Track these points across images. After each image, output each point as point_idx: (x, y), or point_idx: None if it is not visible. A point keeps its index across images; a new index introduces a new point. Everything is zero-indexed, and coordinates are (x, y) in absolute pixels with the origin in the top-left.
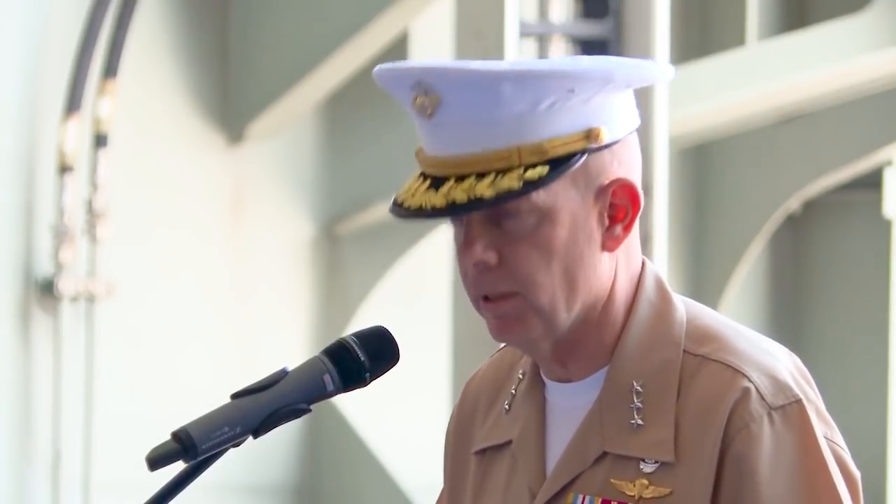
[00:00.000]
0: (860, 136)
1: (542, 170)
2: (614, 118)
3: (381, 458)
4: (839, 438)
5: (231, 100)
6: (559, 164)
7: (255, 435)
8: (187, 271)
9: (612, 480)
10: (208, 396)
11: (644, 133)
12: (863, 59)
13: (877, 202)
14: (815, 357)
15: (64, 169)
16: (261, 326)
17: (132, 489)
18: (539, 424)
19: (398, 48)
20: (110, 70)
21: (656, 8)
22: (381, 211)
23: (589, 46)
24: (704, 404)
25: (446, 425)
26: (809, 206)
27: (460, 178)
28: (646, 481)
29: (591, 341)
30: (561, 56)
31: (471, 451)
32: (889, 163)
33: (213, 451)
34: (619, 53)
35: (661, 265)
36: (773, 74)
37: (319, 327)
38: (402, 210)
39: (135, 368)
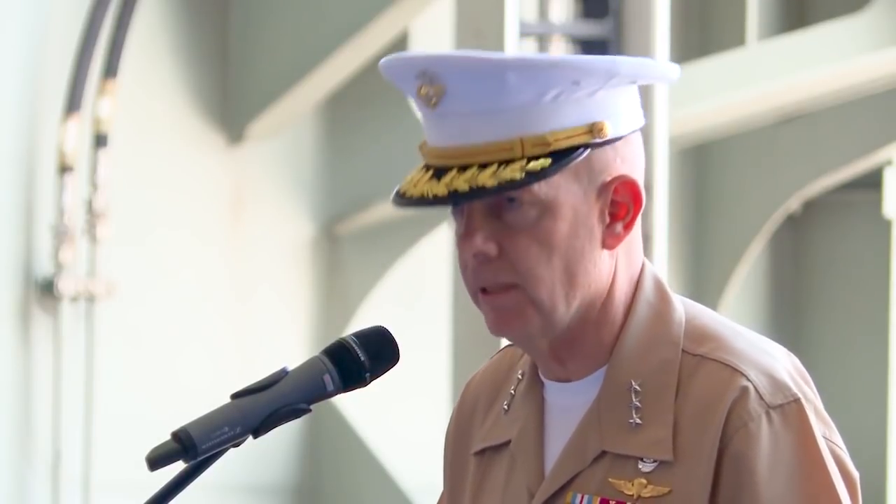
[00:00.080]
0: (860, 136)
1: (545, 162)
2: (619, 114)
3: (381, 458)
4: (838, 438)
5: (231, 100)
6: (562, 157)
7: (255, 435)
8: (187, 271)
9: (610, 480)
10: (208, 396)
11: (644, 133)
12: (863, 59)
13: (877, 202)
14: (815, 357)
15: (64, 169)
16: (261, 326)
17: (132, 489)
18: (538, 424)
19: (398, 48)
20: (110, 70)
21: (656, 8)
22: (381, 211)
23: (589, 46)
24: (703, 403)
25: (446, 426)
26: (809, 206)
27: (463, 169)
28: (644, 480)
29: (590, 340)
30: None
31: (470, 452)
32: (889, 163)
33: (213, 451)
34: (619, 53)
35: (661, 265)
36: (773, 74)
37: (319, 327)
38: (404, 199)
39: (135, 368)
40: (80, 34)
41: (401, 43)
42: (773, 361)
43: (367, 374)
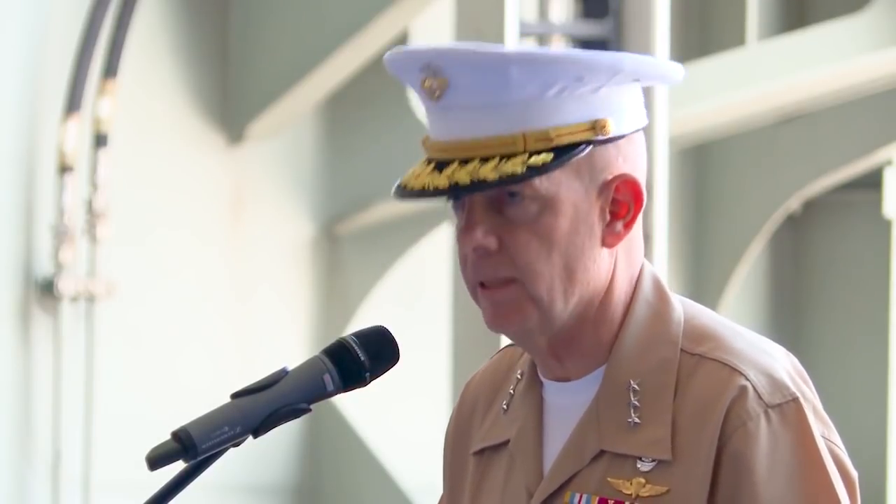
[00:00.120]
0: (860, 136)
1: (547, 157)
2: (622, 112)
3: (381, 458)
4: (836, 438)
5: (231, 100)
6: (564, 153)
7: (255, 435)
8: (187, 271)
9: (608, 479)
10: (208, 396)
11: (644, 133)
12: (863, 59)
13: (877, 202)
14: (815, 357)
15: (64, 169)
16: (261, 326)
17: (132, 489)
18: (536, 424)
19: None
20: (110, 70)
21: (656, 8)
22: (381, 211)
23: (589, 46)
24: (701, 403)
25: (446, 427)
26: (809, 206)
27: (464, 162)
28: (643, 480)
29: (589, 338)
30: None
31: (469, 453)
32: (889, 163)
33: (213, 451)
34: None
35: (661, 265)
36: (773, 74)
37: (319, 327)
38: (405, 192)
39: (135, 368)
40: (80, 34)
41: (401, 43)
42: (771, 361)
43: (367, 374)
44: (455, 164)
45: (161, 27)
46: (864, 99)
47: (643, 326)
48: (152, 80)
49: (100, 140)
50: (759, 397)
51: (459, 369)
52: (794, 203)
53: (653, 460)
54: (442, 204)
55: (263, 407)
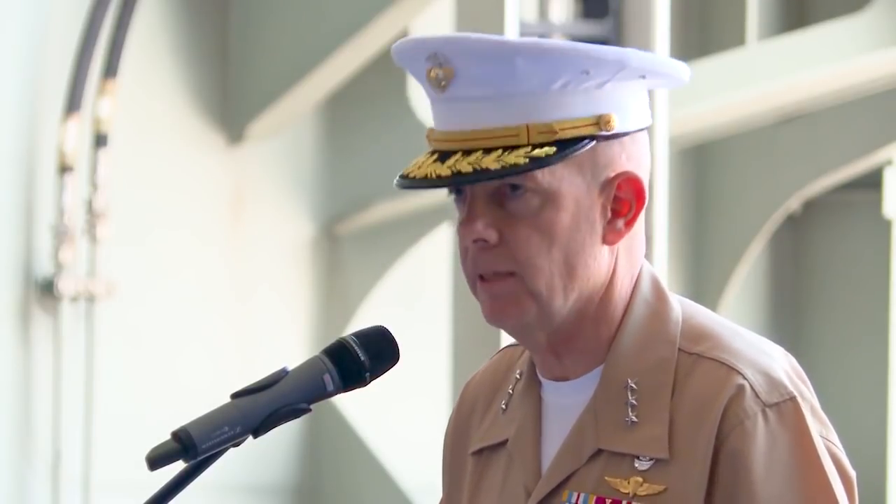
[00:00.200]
0: (860, 136)
1: (549, 150)
2: (626, 109)
3: (381, 458)
4: (834, 437)
5: (231, 100)
6: (567, 147)
7: (255, 435)
8: (187, 271)
9: (606, 478)
10: (208, 396)
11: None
12: (863, 59)
13: (877, 202)
14: (815, 357)
15: (64, 169)
16: (261, 326)
17: (132, 489)
18: (535, 423)
19: None
20: (110, 70)
21: (656, 8)
22: (381, 211)
23: None
24: (699, 401)
25: (445, 428)
26: (809, 206)
27: (467, 153)
28: (640, 478)
29: (588, 336)
30: None
31: (468, 453)
32: (889, 163)
33: (213, 451)
34: None
35: (661, 265)
36: (773, 74)
37: (319, 327)
38: (408, 181)
39: (135, 368)
40: (80, 34)
41: None
42: (769, 360)
43: (367, 374)
44: (458, 155)
45: (161, 27)
46: (864, 99)
47: (641, 325)
48: (152, 80)
49: (100, 140)
50: (757, 396)
51: (459, 369)
52: (794, 203)
53: (650, 459)
54: (442, 202)
55: (263, 407)
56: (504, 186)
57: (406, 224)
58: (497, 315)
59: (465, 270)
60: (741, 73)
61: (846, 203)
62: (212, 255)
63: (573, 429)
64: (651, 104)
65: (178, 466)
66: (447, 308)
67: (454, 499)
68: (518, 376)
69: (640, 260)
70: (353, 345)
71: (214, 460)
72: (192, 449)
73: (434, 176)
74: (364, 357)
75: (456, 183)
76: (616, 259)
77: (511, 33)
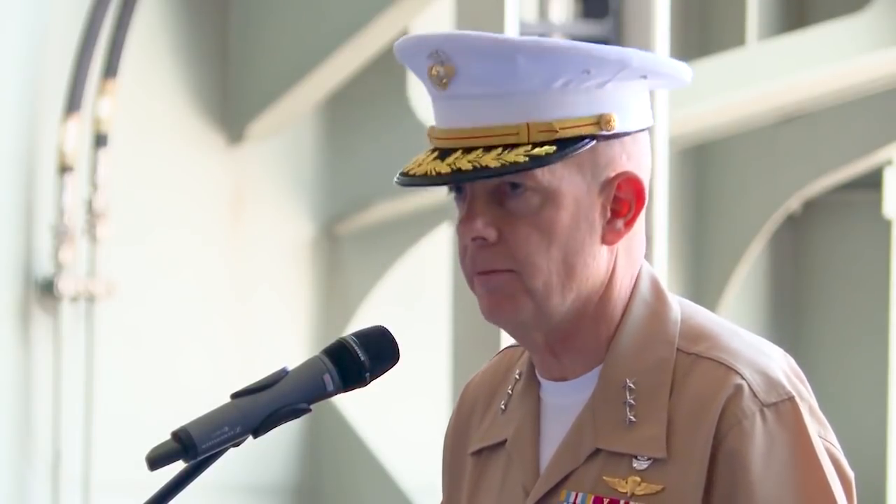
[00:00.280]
0: (860, 136)
1: (550, 149)
2: (627, 109)
3: (381, 458)
4: (833, 437)
5: (231, 100)
6: (567, 146)
7: (255, 435)
8: (187, 271)
9: (604, 477)
10: (208, 396)
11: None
12: (863, 59)
13: (877, 202)
14: (815, 357)
15: (64, 169)
16: (261, 326)
17: (132, 489)
18: (534, 423)
19: None
20: (110, 70)
21: (656, 8)
22: (381, 211)
23: None
24: (697, 401)
25: (445, 429)
26: (809, 206)
27: (468, 150)
28: (638, 478)
29: (587, 335)
30: None
31: (467, 453)
32: (889, 163)
33: (213, 451)
34: None
35: (661, 265)
36: (773, 74)
37: (319, 327)
38: (407, 178)
39: (135, 368)
40: (80, 34)
41: None
42: (768, 360)
43: (367, 374)
44: (458, 153)
45: (161, 27)
46: (864, 99)
47: (640, 325)
48: (152, 80)
49: (100, 140)
50: (755, 396)
51: (459, 369)
52: (794, 203)
53: (648, 459)
54: (442, 202)
55: (263, 407)
56: (504, 185)
57: (406, 224)
58: (494, 311)
59: (464, 268)
60: (741, 73)
61: (846, 203)
62: (212, 255)
63: (571, 428)
64: (651, 104)
65: (178, 466)
66: (447, 308)
67: (454, 499)
68: (517, 377)
69: (640, 260)
70: (353, 345)
71: (214, 460)
72: (192, 449)
73: (434, 173)
74: (364, 357)
75: (455, 181)
76: (615, 259)
77: (511, 33)
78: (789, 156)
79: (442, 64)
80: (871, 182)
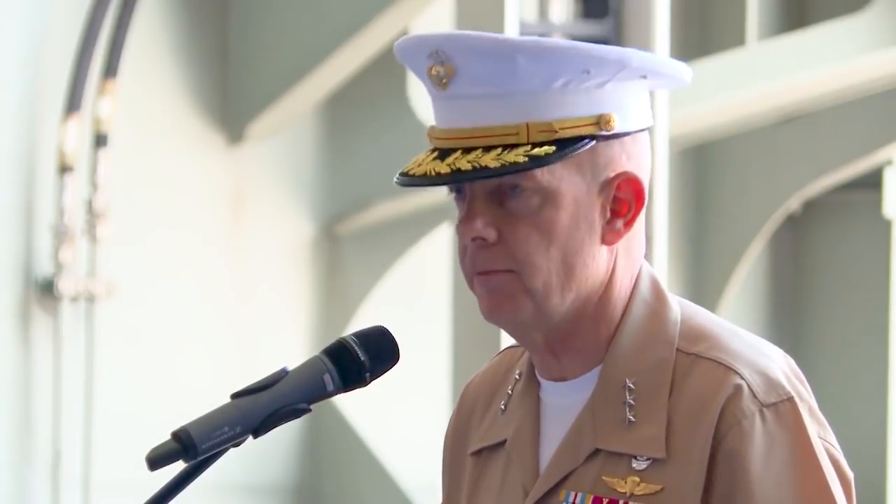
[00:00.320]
0: (860, 136)
1: (549, 149)
2: (627, 109)
3: (381, 458)
4: (832, 438)
5: (231, 100)
6: (567, 146)
7: (255, 435)
8: (187, 271)
9: (603, 477)
10: (208, 396)
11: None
12: (863, 59)
13: (877, 202)
14: (815, 357)
15: (64, 169)
16: (261, 326)
17: (132, 489)
18: (533, 423)
19: None
20: (110, 70)
21: (656, 8)
22: (381, 211)
23: None
24: (697, 401)
25: (445, 429)
26: (809, 206)
27: (467, 151)
28: (637, 478)
29: (586, 335)
30: None
31: (467, 453)
32: (889, 163)
33: (213, 451)
34: None
35: (661, 265)
36: (773, 74)
37: (319, 327)
38: (407, 178)
39: (135, 368)
40: (80, 34)
41: None
42: (767, 361)
43: (367, 374)
44: (458, 153)
45: (161, 27)
46: (864, 99)
47: (640, 326)
48: (152, 80)
49: (100, 140)
50: (754, 396)
51: (459, 369)
52: (794, 203)
53: (647, 459)
54: (442, 202)
55: (263, 407)
56: (504, 185)
57: (406, 224)
58: (493, 311)
59: (464, 269)
60: (741, 73)
61: (846, 203)
62: (212, 255)
63: (571, 428)
64: (651, 104)
65: (178, 466)
66: (447, 308)
67: (454, 499)
68: (517, 377)
69: (640, 260)
70: (354, 345)
71: (214, 460)
72: (192, 449)
73: (433, 173)
74: (364, 357)
75: (455, 181)
76: (615, 259)
77: (511, 33)
78: (789, 156)
79: (442, 64)
80: (871, 182)
